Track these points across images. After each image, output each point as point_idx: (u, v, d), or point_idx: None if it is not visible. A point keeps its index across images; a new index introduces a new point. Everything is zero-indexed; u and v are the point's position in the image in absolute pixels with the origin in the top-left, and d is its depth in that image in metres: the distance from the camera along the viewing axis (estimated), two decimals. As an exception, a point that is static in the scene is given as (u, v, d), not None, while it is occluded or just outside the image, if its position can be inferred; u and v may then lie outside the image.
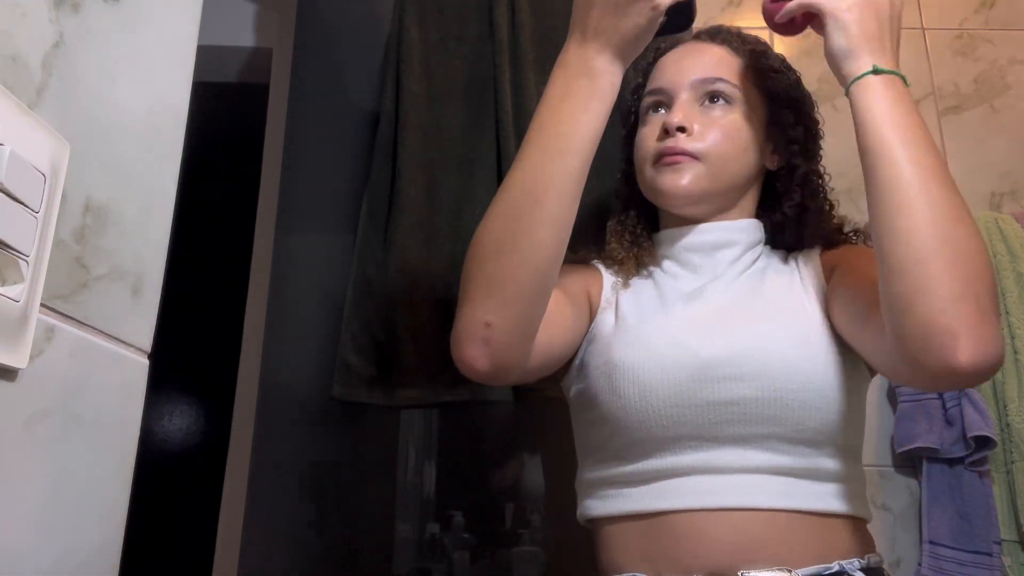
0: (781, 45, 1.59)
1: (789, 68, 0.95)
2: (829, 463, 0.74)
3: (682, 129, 0.83)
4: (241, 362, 1.38)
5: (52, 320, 0.41)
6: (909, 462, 1.33)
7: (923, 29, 1.59)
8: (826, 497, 0.73)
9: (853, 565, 0.70)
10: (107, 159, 0.46)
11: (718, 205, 0.87)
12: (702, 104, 0.86)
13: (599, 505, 0.80)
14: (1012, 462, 1.23)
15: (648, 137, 0.87)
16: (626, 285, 0.89)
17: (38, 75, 0.39)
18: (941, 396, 1.28)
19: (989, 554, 1.20)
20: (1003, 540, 1.22)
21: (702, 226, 0.88)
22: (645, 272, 0.91)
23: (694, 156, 0.83)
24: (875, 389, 1.38)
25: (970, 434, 1.20)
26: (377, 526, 1.21)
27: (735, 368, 0.74)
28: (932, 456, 1.27)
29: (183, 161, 0.56)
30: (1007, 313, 1.30)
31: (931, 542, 1.25)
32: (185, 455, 2.55)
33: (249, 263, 1.43)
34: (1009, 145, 1.51)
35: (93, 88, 0.44)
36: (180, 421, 2.60)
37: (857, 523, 0.76)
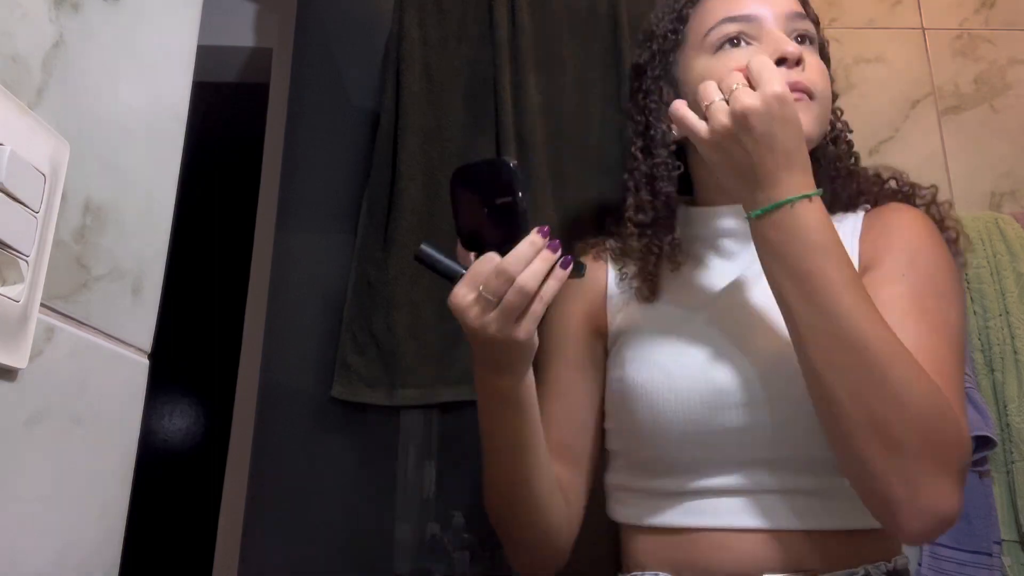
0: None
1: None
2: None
3: (799, 62, 0.72)
4: (241, 362, 1.38)
5: (52, 320, 0.41)
6: (909, 462, 1.33)
7: (923, 29, 1.59)
8: (852, 515, 0.68)
9: (879, 569, 0.67)
10: (107, 159, 0.46)
11: None
12: (792, 36, 0.75)
13: (623, 512, 0.79)
14: (1012, 462, 1.23)
15: (742, 64, 0.69)
16: (646, 278, 0.81)
17: (38, 75, 0.39)
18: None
19: (989, 554, 1.20)
20: (1003, 540, 1.22)
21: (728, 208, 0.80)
22: (671, 263, 0.81)
23: (811, 95, 0.72)
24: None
25: (970, 434, 1.20)
26: (377, 526, 1.21)
27: (748, 395, 0.69)
28: (932, 456, 1.26)
29: (183, 161, 0.56)
30: (1007, 313, 1.30)
31: (931, 542, 1.25)
32: (185, 455, 2.54)
33: (249, 263, 1.43)
34: (1009, 145, 1.51)
35: (93, 88, 0.44)
36: (180, 421, 2.60)
37: (883, 532, 0.70)
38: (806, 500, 0.68)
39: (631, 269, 0.83)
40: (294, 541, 1.23)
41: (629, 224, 0.83)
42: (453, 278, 0.63)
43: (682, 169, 0.81)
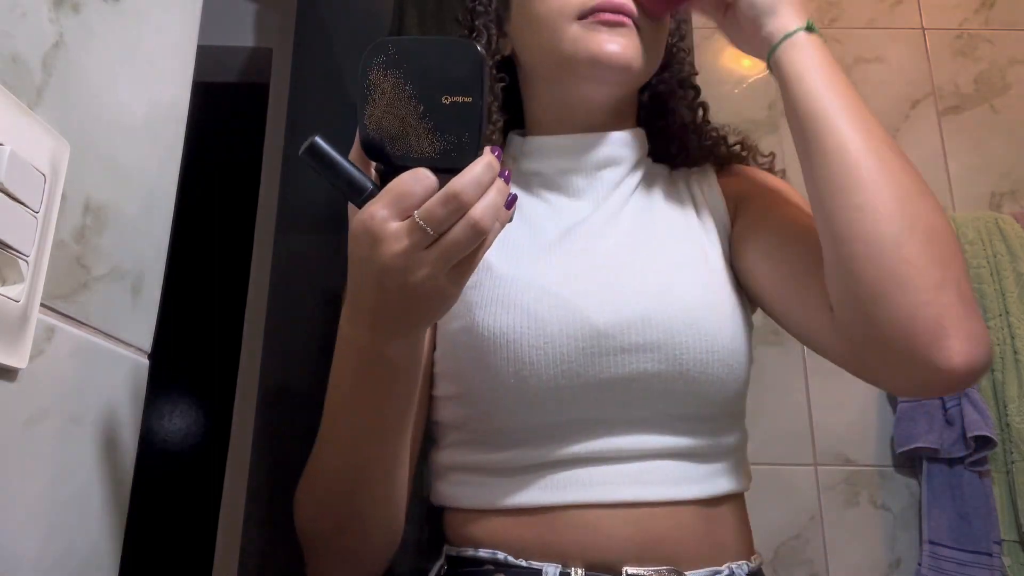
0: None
1: None
2: (728, 437, 0.67)
3: None
4: (241, 362, 1.38)
5: (52, 320, 0.41)
6: (909, 462, 1.33)
7: (923, 29, 1.59)
8: (718, 477, 0.64)
9: (742, 569, 0.63)
10: (107, 159, 0.46)
11: (621, 104, 0.73)
12: None
13: (455, 494, 0.67)
14: (1012, 462, 1.23)
15: None
16: None
17: (38, 75, 0.39)
18: (941, 396, 1.28)
19: (989, 554, 1.20)
20: (1003, 540, 1.22)
21: (588, 137, 0.71)
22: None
23: (633, 19, 0.66)
24: (875, 389, 1.38)
25: (970, 434, 1.20)
26: (377, 526, 1.21)
27: (638, 337, 0.60)
28: (932, 456, 1.27)
29: (183, 161, 0.56)
30: (1007, 313, 1.30)
31: (931, 542, 1.24)
32: (185, 455, 2.54)
33: (249, 263, 1.43)
34: (1009, 145, 1.51)
35: (93, 88, 0.44)
36: (180, 421, 2.60)
37: (738, 501, 0.69)
38: (681, 465, 0.62)
39: None
40: (294, 541, 1.22)
41: None
42: (360, 191, 0.44)
43: (507, 82, 0.75)
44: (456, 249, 0.43)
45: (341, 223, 1.44)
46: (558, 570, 0.58)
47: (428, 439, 0.74)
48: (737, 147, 0.78)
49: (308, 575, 0.66)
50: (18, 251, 0.37)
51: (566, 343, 0.60)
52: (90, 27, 0.44)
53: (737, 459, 0.70)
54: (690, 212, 0.72)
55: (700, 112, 0.79)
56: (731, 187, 0.74)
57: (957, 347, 0.51)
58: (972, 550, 1.21)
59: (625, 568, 0.58)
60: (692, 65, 0.82)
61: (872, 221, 0.53)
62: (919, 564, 1.25)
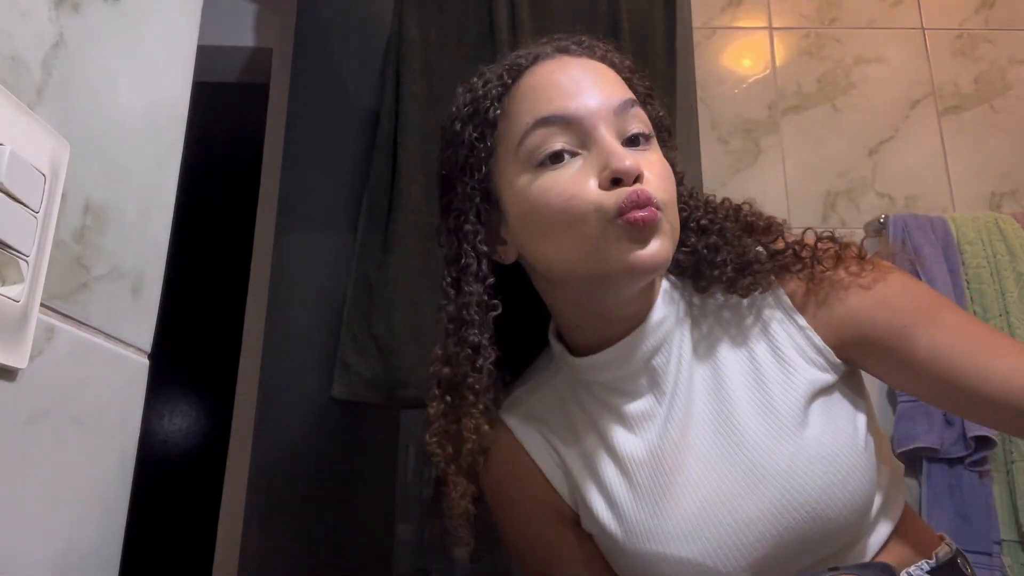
0: (782, 45, 1.59)
1: (651, 88, 0.72)
2: (882, 532, 0.65)
3: (637, 179, 0.59)
4: (241, 362, 1.38)
5: (52, 320, 0.41)
6: (909, 462, 1.33)
7: (923, 29, 1.60)
8: (871, 538, 0.64)
9: (922, 568, 0.62)
10: (107, 159, 0.46)
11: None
12: (623, 140, 0.62)
13: None
14: (1012, 462, 1.23)
15: (577, 187, 0.59)
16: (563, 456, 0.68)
17: (38, 75, 0.39)
18: None
19: (989, 554, 1.20)
20: (1003, 540, 1.22)
21: (638, 331, 0.65)
22: (561, 416, 0.69)
23: (659, 208, 0.59)
24: (875, 389, 1.38)
25: (970, 434, 1.20)
26: (377, 526, 1.21)
27: (772, 563, 0.61)
28: (932, 456, 1.27)
29: (183, 161, 0.56)
30: (1007, 313, 1.30)
31: (931, 542, 1.25)
32: (185, 455, 2.54)
33: (249, 263, 1.43)
34: (1009, 145, 1.52)
35: (93, 88, 0.44)
36: (180, 421, 2.60)
37: (901, 524, 0.67)
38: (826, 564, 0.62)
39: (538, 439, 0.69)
40: (294, 541, 1.23)
41: (438, 386, 0.68)
42: None
43: (499, 310, 0.66)
44: None
45: (341, 223, 1.45)
46: None
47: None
48: (798, 246, 0.66)
49: None
50: (18, 251, 0.37)
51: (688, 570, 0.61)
52: (90, 27, 0.44)
53: (885, 509, 0.66)
54: (768, 359, 0.65)
55: (714, 236, 0.67)
56: (827, 316, 0.64)
57: None
58: (972, 550, 1.21)
59: None
60: (699, 196, 0.71)
61: None
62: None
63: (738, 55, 1.60)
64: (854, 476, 0.60)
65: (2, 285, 0.37)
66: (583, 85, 0.62)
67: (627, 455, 0.65)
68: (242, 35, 1.59)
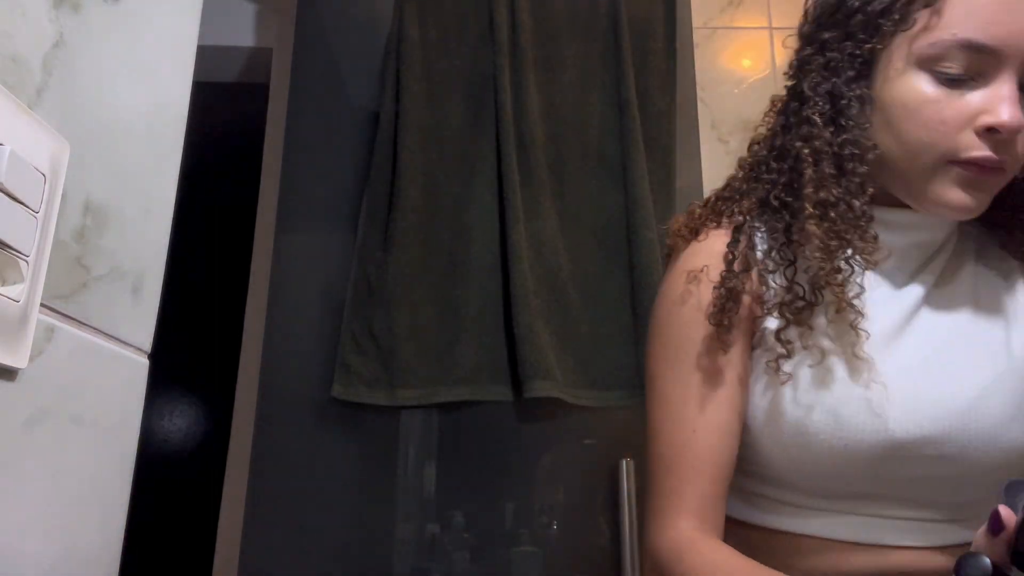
0: (782, 45, 1.59)
1: None
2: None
3: (1016, 130, 0.60)
4: (241, 362, 1.38)
5: (52, 320, 0.41)
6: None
7: (923, 29, 1.60)
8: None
9: None
10: (107, 159, 0.46)
11: None
12: (1020, 84, 0.61)
13: (742, 510, 0.72)
14: (1012, 462, 1.23)
15: (954, 118, 0.61)
16: (823, 281, 0.65)
17: (38, 75, 0.39)
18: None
19: (989, 554, 1.20)
20: (1003, 540, 1.22)
21: (927, 218, 0.67)
22: (851, 273, 0.66)
23: (1004, 170, 0.62)
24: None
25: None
26: (377, 526, 1.21)
27: (934, 451, 0.62)
28: (932, 456, 1.26)
29: (183, 161, 0.56)
30: (1007, 313, 1.30)
31: (931, 542, 1.24)
32: (185, 455, 2.54)
33: (249, 263, 1.43)
34: (1009, 145, 1.52)
35: (93, 88, 0.44)
36: (180, 421, 2.60)
37: None
38: (947, 526, 0.65)
39: (804, 263, 0.67)
40: (294, 541, 1.23)
41: (807, 204, 0.66)
42: None
43: (878, 150, 0.66)
44: None
45: (341, 223, 1.45)
46: None
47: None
48: None
49: None
50: (18, 251, 0.37)
51: (864, 448, 0.62)
52: (90, 27, 0.44)
53: None
54: (1016, 300, 0.68)
55: None
56: None
57: None
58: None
59: None
60: None
61: None
62: (919, 564, 1.25)
63: (738, 55, 1.59)
64: (1009, 435, 0.62)
65: (2, 285, 0.37)
66: (1019, 15, 0.60)
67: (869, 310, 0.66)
68: (242, 35, 1.59)
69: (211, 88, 1.58)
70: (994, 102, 0.60)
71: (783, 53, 1.59)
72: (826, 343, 0.65)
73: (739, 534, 0.70)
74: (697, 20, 1.59)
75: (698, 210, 0.77)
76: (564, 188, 1.29)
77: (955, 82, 0.61)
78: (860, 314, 0.64)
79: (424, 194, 1.26)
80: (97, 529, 0.46)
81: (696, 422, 0.67)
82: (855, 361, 0.64)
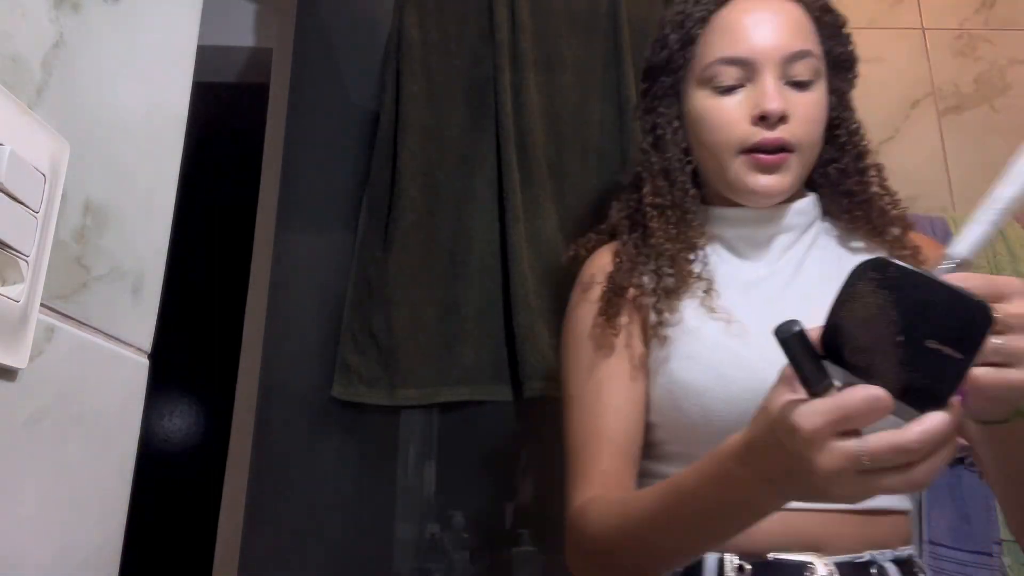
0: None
1: (845, 20, 0.88)
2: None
3: (782, 119, 0.76)
4: (241, 362, 1.38)
5: (52, 320, 0.41)
6: (909, 462, 1.33)
7: (923, 29, 1.59)
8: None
9: (884, 556, 0.70)
10: (107, 159, 0.46)
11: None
12: (786, 81, 0.78)
13: None
14: (1012, 462, 1.23)
15: (732, 117, 0.78)
16: (678, 273, 0.80)
17: (38, 75, 0.39)
18: None
19: (989, 554, 1.20)
20: (1003, 540, 1.22)
21: (764, 212, 0.82)
22: (693, 254, 0.82)
23: (791, 149, 0.77)
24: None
25: (970, 434, 1.20)
26: (377, 526, 1.21)
27: None
28: (932, 456, 1.27)
29: (183, 161, 0.56)
30: (1007, 313, 1.31)
31: (931, 542, 1.24)
32: (185, 455, 2.54)
33: (249, 263, 1.43)
34: (1009, 145, 1.50)
35: (93, 88, 0.44)
36: (180, 421, 2.60)
37: (899, 516, 0.75)
38: None
39: (659, 263, 0.81)
40: (294, 541, 1.23)
41: (649, 209, 0.84)
42: (809, 381, 0.46)
43: (694, 164, 0.85)
44: (882, 488, 0.45)
45: (341, 223, 1.45)
46: (716, 557, 0.70)
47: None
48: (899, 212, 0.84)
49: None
50: (18, 251, 0.37)
51: (748, 398, 0.65)
52: (90, 27, 0.44)
53: None
54: None
55: (875, 186, 0.84)
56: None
57: None
58: (972, 550, 1.21)
59: (771, 553, 0.69)
60: (863, 142, 0.86)
61: None
62: (919, 564, 1.26)
63: (738, 55, 1.60)
64: None
65: (2, 285, 0.37)
66: (763, 30, 0.79)
67: (721, 284, 0.80)
68: (242, 35, 1.59)
69: (211, 88, 1.58)
70: (760, 96, 0.77)
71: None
72: (691, 314, 0.78)
73: None
74: (697, 20, 1.59)
75: (592, 236, 0.94)
76: (564, 188, 1.29)
77: (729, 90, 0.79)
78: (711, 285, 0.79)
79: (424, 194, 1.26)
80: (97, 529, 0.46)
81: (595, 407, 0.78)
82: (714, 322, 0.77)
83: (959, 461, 1.24)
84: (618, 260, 0.85)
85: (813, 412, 0.45)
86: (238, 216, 1.70)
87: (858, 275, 0.47)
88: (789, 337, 0.46)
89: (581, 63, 1.36)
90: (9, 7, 0.37)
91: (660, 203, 0.83)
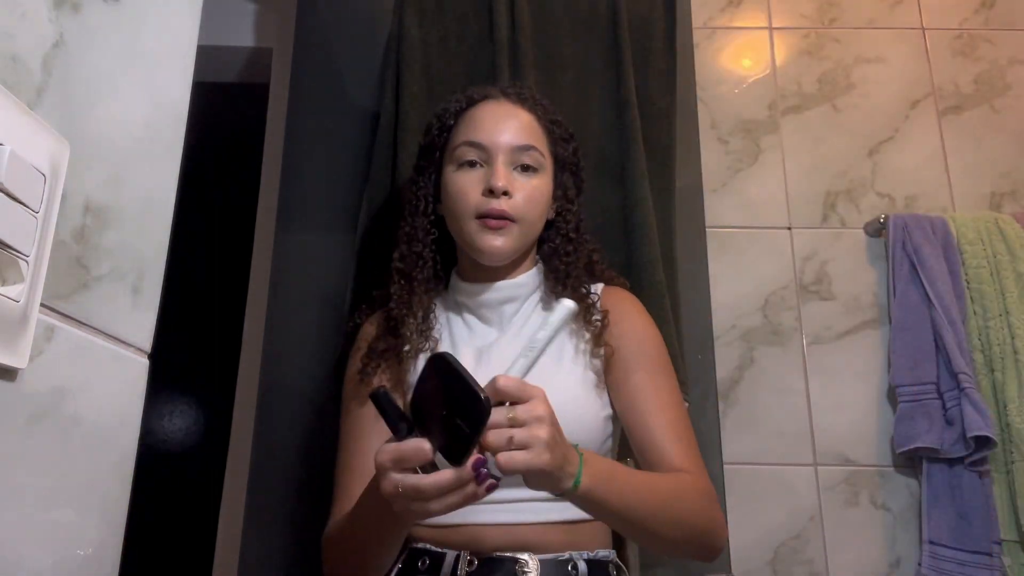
0: (782, 45, 1.59)
1: (572, 135, 1.06)
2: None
3: (505, 193, 0.94)
4: (241, 362, 1.38)
5: (52, 320, 0.41)
6: (909, 462, 1.33)
7: (923, 29, 1.60)
8: (567, 510, 0.86)
9: (581, 555, 0.89)
10: (107, 159, 0.46)
11: (515, 259, 1.01)
12: (515, 168, 0.97)
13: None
14: (1012, 462, 1.23)
15: (468, 190, 0.96)
16: (422, 331, 0.99)
17: (38, 75, 0.39)
18: (941, 396, 1.28)
19: (989, 554, 1.20)
20: (1003, 540, 1.22)
21: (496, 284, 1.00)
22: (443, 317, 1.03)
23: (512, 220, 0.95)
24: (875, 389, 1.38)
25: (970, 434, 1.20)
26: (377, 526, 1.21)
27: None
28: (932, 456, 1.27)
29: (183, 161, 0.56)
30: (1007, 313, 1.30)
31: (931, 542, 1.25)
32: (185, 455, 2.54)
33: (249, 263, 1.43)
34: (1009, 145, 1.52)
35: (93, 88, 0.44)
36: (180, 421, 2.60)
37: (596, 524, 0.92)
38: (540, 503, 0.88)
39: (409, 323, 0.98)
40: (294, 541, 1.23)
41: (395, 274, 1.02)
42: (396, 431, 0.67)
43: (436, 234, 1.03)
44: (412, 510, 0.67)
45: (341, 223, 1.44)
46: (454, 554, 0.88)
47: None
48: (604, 271, 1.09)
49: None
50: (18, 251, 0.37)
51: None
52: (90, 27, 0.44)
53: None
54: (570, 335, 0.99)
55: (570, 248, 1.03)
56: (611, 317, 0.99)
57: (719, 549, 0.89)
58: (972, 550, 1.21)
59: (495, 552, 0.87)
60: (576, 231, 1.04)
61: (651, 545, 0.91)
62: (919, 564, 1.26)
63: (738, 55, 1.60)
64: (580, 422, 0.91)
65: (2, 285, 0.37)
66: (501, 125, 0.98)
67: (459, 342, 1.00)
68: (242, 35, 1.59)
69: (211, 88, 1.58)
70: (490, 175, 0.95)
71: (783, 53, 1.59)
72: None
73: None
74: (697, 20, 1.59)
75: (366, 309, 1.09)
76: (564, 188, 1.29)
77: (471, 165, 0.97)
78: (437, 345, 0.99)
79: (424, 194, 1.26)
80: (97, 529, 0.46)
81: (350, 449, 0.97)
82: None
83: (959, 461, 1.24)
84: (374, 329, 1.03)
85: (383, 450, 0.67)
86: (238, 216, 1.70)
87: (430, 362, 0.66)
88: (379, 396, 0.67)
89: (581, 63, 1.36)
90: (9, 7, 0.37)
91: (401, 268, 1.02)
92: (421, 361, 0.96)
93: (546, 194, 1.00)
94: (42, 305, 0.40)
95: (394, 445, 0.66)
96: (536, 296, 1.03)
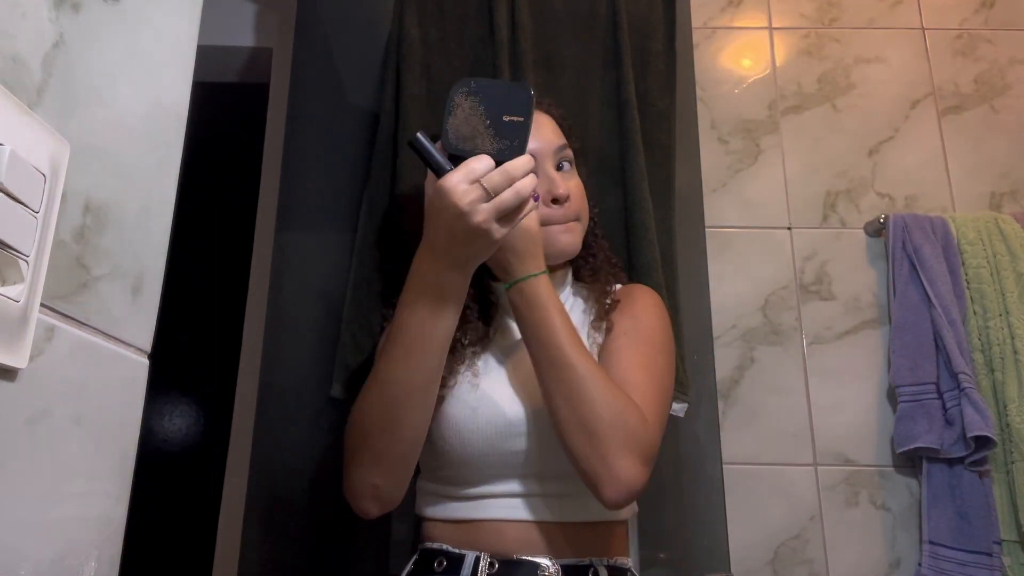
0: (782, 45, 1.59)
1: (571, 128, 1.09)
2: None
3: (566, 198, 0.96)
4: (241, 362, 1.38)
5: (52, 320, 0.41)
6: (909, 462, 1.33)
7: (923, 29, 1.60)
8: (587, 510, 0.89)
9: (601, 562, 0.89)
10: (107, 159, 0.46)
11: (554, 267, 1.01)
12: (557, 168, 0.98)
13: (432, 510, 0.96)
14: (1012, 462, 1.23)
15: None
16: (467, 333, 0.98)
17: (38, 75, 0.39)
18: (941, 396, 1.28)
19: (989, 554, 1.20)
20: (1003, 540, 1.22)
21: None
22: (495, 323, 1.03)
23: (577, 219, 0.98)
24: (875, 389, 1.38)
25: (970, 434, 1.20)
26: (376, 526, 1.21)
27: (525, 427, 0.90)
28: (932, 456, 1.27)
29: (183, 161, 0.56)
30: (1007, 313, 1.30)
31: (931, 542, 1.25)
32: (185, 455, 2.54)
33: (249, 263, 1.44)
34: (1009, 145, 1.52)
35: (93, 88, 0.44)
36: (180, 421, 2.60)
37: (616, 526, 0.94)
38: (557, 500, 0.90)
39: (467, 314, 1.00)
40: (294, 541, 1.23)
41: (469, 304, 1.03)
42: (440, 170, 0.71)
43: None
44: (504, 205, 0.71)
45: (341, 223, 1.44)
46: (474, 555, 0.88)
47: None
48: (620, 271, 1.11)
49: (344, 477, 0.89)
50: (18, 251, 0.37)
51: (488, 426, 0.90)
52: (90, 27, 0.44)
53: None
54: (584, 333, 0.99)
55: (602, 238, 1.10)
56: (619, 307, 1.00)
57: (605, 490, 0.80)
58: (972, 550, 1.21)
59: (515, 555, 0.87)
60: (595, 215, 1.08)
61: (554, 420, 0.84)
62: (919, 564, 1.26)
63: (738, 55, 1.60)
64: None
65: (2, 285, 0.37)
66: (541, 132, 0.97)
67: (497, 343, 0.99)
68: (242, 35, 1.59)
69: (211, 88, 1.58)
70: (546, 184, 0.95)
71: (783, 53, 1.59)
72: (465, 368, 0.96)
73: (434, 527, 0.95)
74: (697, 20, 1.59)
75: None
76: (564, 188, 1.29)
77: None
78: (476, 350, 0.98)
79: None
80: (97, 529, 0.46)
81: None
82: (473, 380, 0.95)
83: (959, 461, 1.25)
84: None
85: (449, 176, 0.71)
86: (238, 216, 1.70)
87: (453, 92, 0.71)
88: (414, 141, 0.71)
89: (581, 64, 1.36)
90: (9, 7, 0.37)
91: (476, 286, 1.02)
92: (477, 357, 0.97)
93: (583, 186, 1.03)
94: (42, 305, 0.40)
95: (456, 169, 0.70)
96: (566, 294, 1.04)
